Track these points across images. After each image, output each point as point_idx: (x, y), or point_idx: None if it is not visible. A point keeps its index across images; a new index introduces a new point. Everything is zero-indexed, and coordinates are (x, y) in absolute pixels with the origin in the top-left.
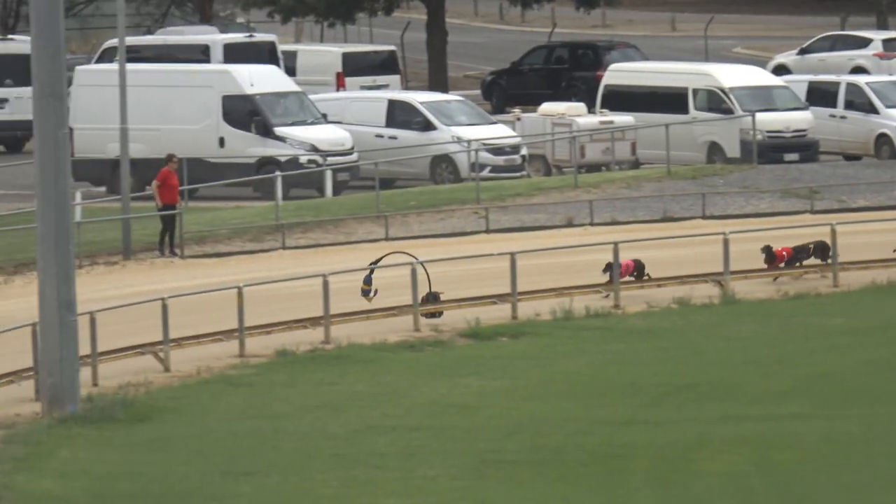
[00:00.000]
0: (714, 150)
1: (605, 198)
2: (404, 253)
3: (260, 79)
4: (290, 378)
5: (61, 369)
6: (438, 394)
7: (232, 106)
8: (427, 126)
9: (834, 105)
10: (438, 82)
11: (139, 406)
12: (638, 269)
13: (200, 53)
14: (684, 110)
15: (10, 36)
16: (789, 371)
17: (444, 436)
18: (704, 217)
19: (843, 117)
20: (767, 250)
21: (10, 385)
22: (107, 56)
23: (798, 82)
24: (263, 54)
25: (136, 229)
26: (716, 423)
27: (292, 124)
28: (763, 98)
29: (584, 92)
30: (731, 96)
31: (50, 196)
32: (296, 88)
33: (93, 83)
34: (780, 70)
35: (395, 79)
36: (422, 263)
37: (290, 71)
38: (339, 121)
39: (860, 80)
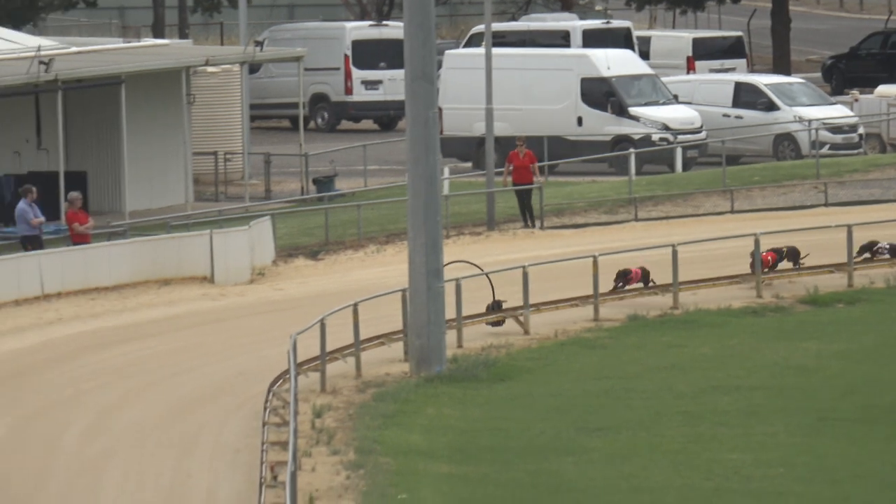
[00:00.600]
0: None
1: None
2: (468, 262)
3: (616, 62)
4: (641, 341)
5: (429, 332)
6: (779, 356)
7: (590, 87)
8: (771, 106)
9: None
10: (782, 66)
11: (500, 366)
12: (644, 278)
13: (561, 39)
14: None
15: (384, 22)
16: None
17: (783, 395)
18: None
19: None
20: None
21: (381, 346)
22: (474, 41)
23: None
24: (619, 40)
25: (499, 202)
26: None
27: (645, 104)
28: None
29: None
30: None
31: (420, 171)
32: (649, 71)
33: (460, 66)
34: None
35: (741, 63)
36: (486, 274)
37: (644, 55)
38: (689, 101)
39: None
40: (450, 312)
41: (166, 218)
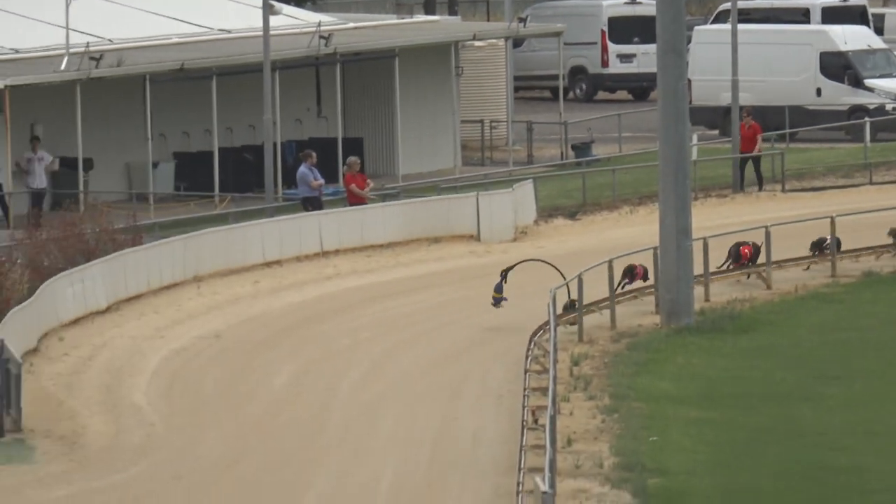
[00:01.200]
0: None
1: None
2: (540, 260)
3: (852, 37)
4: (875, 296)
5: (678, 287)
6: None
7: (828, 61)
8: None
9: None
10: None
11: (744, 319)
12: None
13: (801, 16)
14: None
15: (638, 0)
16: None
17: None
18: None
19: None
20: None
21: (634, 300)
22: (720, 18)
23: None
24: (855, 16)
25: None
26: None
27: (880, 77)
28: None
29: None
30: None
31: (670, 138)
32: (883, 46)
33: (708, 41)
34: None
35: None
36: (559, 270)
37: (879, 31)
38: None
39: None
40: (697, 269)
41: (436, 181)
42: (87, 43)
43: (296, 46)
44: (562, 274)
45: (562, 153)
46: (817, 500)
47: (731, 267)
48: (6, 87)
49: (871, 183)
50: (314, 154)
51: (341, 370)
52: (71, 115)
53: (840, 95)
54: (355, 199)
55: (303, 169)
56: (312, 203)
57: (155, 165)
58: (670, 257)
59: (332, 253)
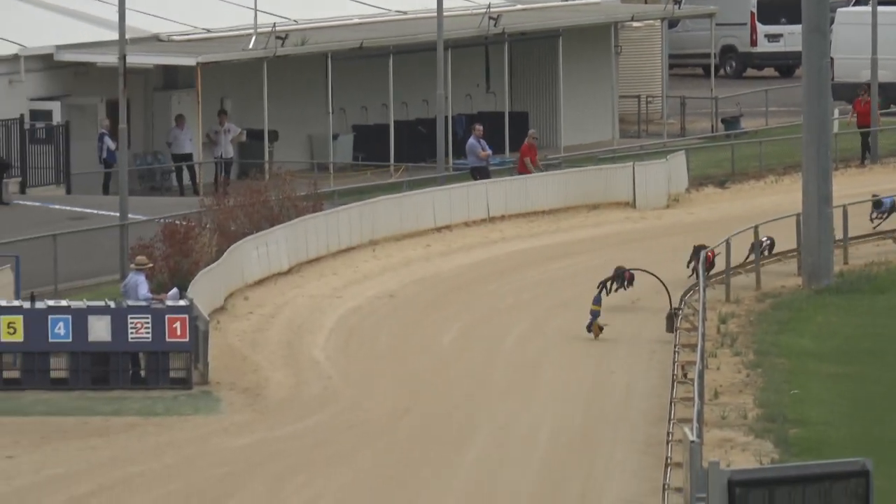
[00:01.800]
0: None
1: None
2: (642, 270)
3: None
4: None
5: (819, 251)
6: None
7: None
8: None
9: None
10: None
11: (880, 280)
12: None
13: None
14: None
15: None
16: None
17: None
18: None
19: None
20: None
21: (777, 263)
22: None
23: None
24: None
25: (882, 139)
26: None
27: None
28: None
29: None
30: None
31: (814, 112)
32: None
33: (850, 22)
34: None
35: None
36: (659, 279)
37: None
38: None
39: None
40: (837, 234)
41: (595, 152)
42: (274, 24)
43: (467, 27)
44: (662, 283)
45: (712, 126)
46: None
47: (694, 268)
48: (198, 64)
49: None
50: (482, 127)
51: (504, 328)
52: (258, 90)
53: None
54: (524, 169)
55: (472, 140)
56: (480, 172)
57: (335, 137)
58: (812, 223)
59: (497, 218)
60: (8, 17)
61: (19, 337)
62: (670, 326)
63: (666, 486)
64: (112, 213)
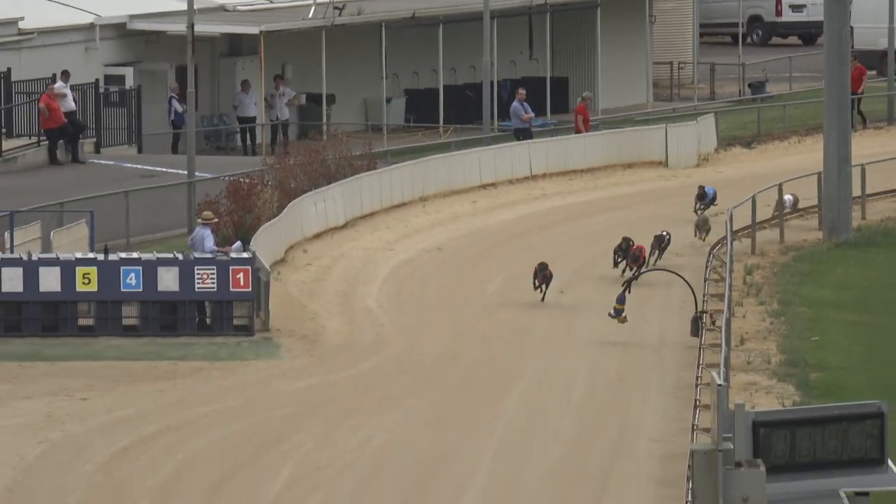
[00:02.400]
0: None
1: None
2: (667, 270)
3: None
4: None
5: (839, 206)
6: None
7: None
8: None
9: None
10: None
11: (895, 235)
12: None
13: None
14: None
15: None
16: None
17: None
18: None
19: None
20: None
21: (800, 218)
22: None
23: None
24: None
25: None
26: None
27: None
28: None
29: None
30: None
31: (834, 77)
32: None
33: None
34: None
35: None
36: (686, 280)
37: None
38: None
39: None
40: (856, 191)
41: (631, 114)
42: None
43: None
44: (688, 283)
45: (740, 90)
46: None
47: (631, 265)
48: (261, 32)
49: None
50: (524, 91)
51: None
52: (316, 57)
53: None
54: (578, 127)
55: (515, 104)
56: (523, 133)
57: (388, 101)
58: (832, 181)
59: (539, 177)
60: None
61: (94, 287)
62: (695, 330)
63: (695, 427)
64: (180, 172)
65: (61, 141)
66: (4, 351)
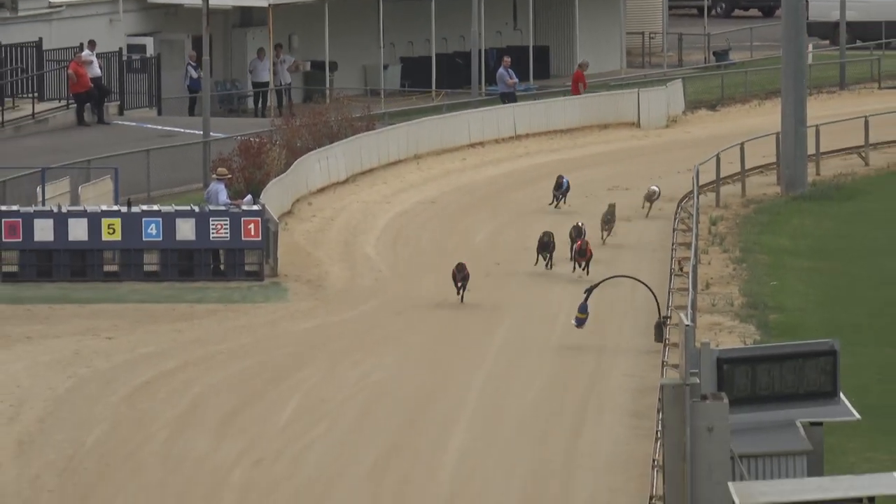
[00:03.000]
0: None
1: None
2: (628, 276)
3: None
4: None
5: (795, 164)
6: None
7: None
8: None
9: None
10: None
11: (847, 189)
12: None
13: None
14: None
15: None
16: None
17: None
18: None
19: None
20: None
21: (760, 174)
22: None
23: None
24: None
25: (849, 69)
26: None
27: None
28: None
29: None
30: None
31: (791, 46)
32: None
33: None
34: None
35: None
36: (647, 285)
37: None
38: None
39: None
40: (811, 149)
41: (606, 79)
42: None
43: None
44: (651, 290)
45: (705, 58)
46: None
47: (578, 261)
48: (269, 5)
49: None
50: (509, 58)
51: (529, 229)
52: (320, 28)
53: None
54: (576, 91)
55: (501, 70)
56: (508, 97)
57: (385, 67)
58: (790, 140)
59: (523, 136)
60: None
61: (118, 236)
62: (659, 336)
63: (665, 363)
64: (196, 132)
65: (88, 104)
66: (37, 294)
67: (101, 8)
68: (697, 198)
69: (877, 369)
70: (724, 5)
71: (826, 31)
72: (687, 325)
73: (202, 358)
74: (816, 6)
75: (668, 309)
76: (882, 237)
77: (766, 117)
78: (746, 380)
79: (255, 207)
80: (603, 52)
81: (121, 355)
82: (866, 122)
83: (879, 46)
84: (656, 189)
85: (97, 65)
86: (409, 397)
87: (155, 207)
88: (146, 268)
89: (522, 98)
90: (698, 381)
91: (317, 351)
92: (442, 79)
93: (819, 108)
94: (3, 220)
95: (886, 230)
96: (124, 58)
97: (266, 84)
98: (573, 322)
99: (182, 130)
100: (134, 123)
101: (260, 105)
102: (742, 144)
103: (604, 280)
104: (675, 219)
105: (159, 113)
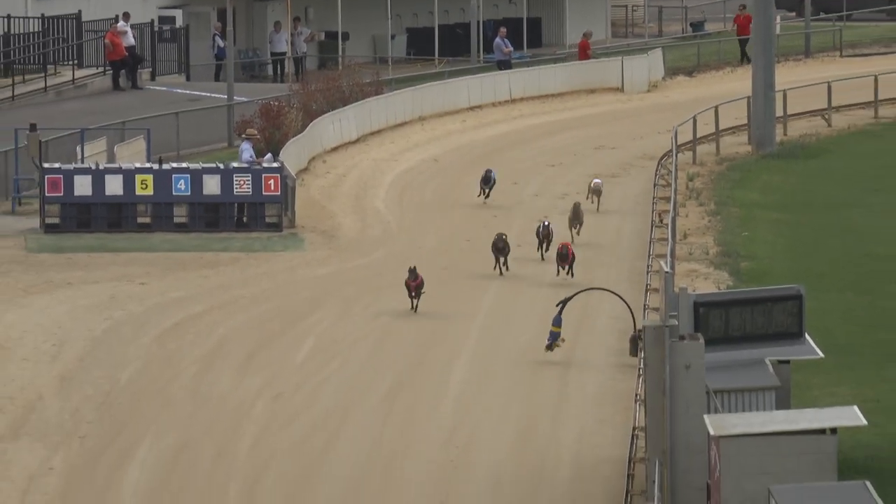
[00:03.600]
0: None
1: None
2: (602, 289)
3: None
4: None
5: (764, 125)
6: None
7: None
8: None
9: None
10: None
11: (811, 148)
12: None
13: None
14: None
15: None
16: None
17: None
18: None
19: None
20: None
21: (733, 134)
22: None
23: None
24: None
25: (815, 38)
26: None
27: None
28: None
29: None
30: None
31: (760, 17)
32: None
33: None
34: None
35: None
36: (622, 298)
37: None
38: None
39: None
40: (779, 112)
41: (593, 48)
42: None
43: None
44: (625, 302)
45: (683, 29)
46: (864, 280)
47: (562, 265)
48: None
49: None
50: (505, 28)
51: (523, 184)
52: (333, 1)
53: None
54: (584, 56)
55: (497, 40)
56: (504, 64)
57: (392, 37)
58: (759, 103)
59: (518, 100)
60: None
61: (150, 191)
62: (634, 350)
63: (646, 307)
64: (221, 96)
65: (123, 71)
66: (77, 244)
67: None
68: (676, 156)
69: (839, 313)
70: None
71: (793, 3)
72: (666, 272)
73: (226, 302)
74: None
75: (649, 257)
76: (843, 192)
77: (738, 83)
78: (720, 322)
79: (275, 165)
80: (590, 23)
81: (152, 299)
82: (829, 88)
83: (841, 18)
84: (599, 182)
85: (131, 35)
86: (414, 337)
87: (184, 165)
88: (176, 220)
89: (517, 65)
90: (677, 322)
91: (330, 295)
92: (444, 47)
93: (786, 75)
94: (46, 176)
95: (847, 186)
96: (156, 28)
97: (283, 54)
98: (546, 342)
99: (208, 95)
100: (164, 88)
101: (279, 72)
102: (716, 107)
103: (577, 293)
104: (655, 175)
105: (188, 79)
